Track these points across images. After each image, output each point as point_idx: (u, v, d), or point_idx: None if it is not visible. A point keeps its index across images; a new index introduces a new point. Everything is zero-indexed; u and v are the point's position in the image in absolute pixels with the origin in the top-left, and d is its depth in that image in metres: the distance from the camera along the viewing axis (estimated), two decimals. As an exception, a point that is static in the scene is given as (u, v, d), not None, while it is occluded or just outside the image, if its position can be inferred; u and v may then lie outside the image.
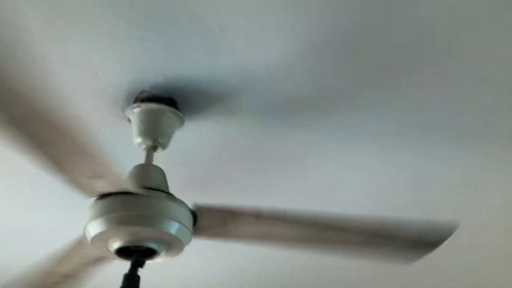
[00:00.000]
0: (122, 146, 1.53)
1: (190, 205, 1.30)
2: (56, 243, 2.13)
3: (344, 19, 1.19)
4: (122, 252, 1.25)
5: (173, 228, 1.22)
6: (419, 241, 1.40)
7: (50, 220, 2.00)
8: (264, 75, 1.35)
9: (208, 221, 1.32)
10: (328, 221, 1.31)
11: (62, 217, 1.97)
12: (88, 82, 1.37)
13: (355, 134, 1.57)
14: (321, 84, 1.39)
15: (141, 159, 1.38)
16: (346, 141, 1.60)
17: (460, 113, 1.47)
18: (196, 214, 1.30)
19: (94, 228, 1.19)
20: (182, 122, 1.44)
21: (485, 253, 2.21)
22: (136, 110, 1.39)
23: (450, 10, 1.15)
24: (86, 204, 1.28)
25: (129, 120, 1.43)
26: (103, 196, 1.21)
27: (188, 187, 1.36)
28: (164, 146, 1.40)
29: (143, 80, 1.36)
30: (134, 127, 1.40)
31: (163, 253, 1.27)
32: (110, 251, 1.25)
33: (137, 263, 1.22)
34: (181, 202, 1.27)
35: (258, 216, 1.34)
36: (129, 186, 1.25)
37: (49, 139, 1.08)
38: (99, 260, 1.42)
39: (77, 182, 1.19)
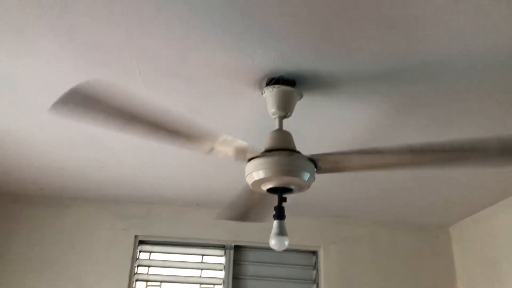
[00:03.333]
0: (254, 114, 2.12)
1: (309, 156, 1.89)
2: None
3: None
4: (270, 190, 1.86)
5: (306, 177, 1.80)
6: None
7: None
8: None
9: (324, 164, 1.88)
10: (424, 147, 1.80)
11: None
12: (245, 65, 1.90)
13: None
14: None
15: (263, 123, 1.95)
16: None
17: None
18: (315, 162, 1.88)
19: (258, 175, 1.77)
20: (301, 97, 2.00)
21: None
22: (273, 89, 1.92)
23: None
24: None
25: (263, 94, 1.97)
26: (256, 157, 1.79)
27: (305, 144, 1.95)
28: (290, 115, 1.96)
29: (279, 67, 1.89)
30: (270, 100, 1.94)
31: (296, 191, 1.88)
32: (262, 189, 1.85)
33: (282, 199, 1.84)
34: (308, 157, 1.84)
35: (357, 153, 1.90)
36: (271, 146, 1.83)
37: None
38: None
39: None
